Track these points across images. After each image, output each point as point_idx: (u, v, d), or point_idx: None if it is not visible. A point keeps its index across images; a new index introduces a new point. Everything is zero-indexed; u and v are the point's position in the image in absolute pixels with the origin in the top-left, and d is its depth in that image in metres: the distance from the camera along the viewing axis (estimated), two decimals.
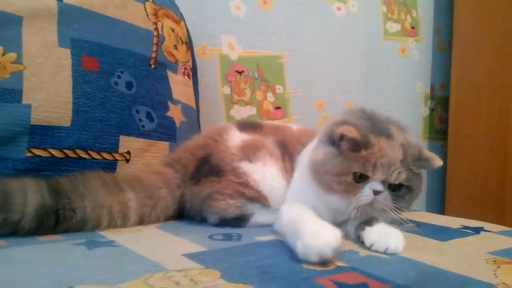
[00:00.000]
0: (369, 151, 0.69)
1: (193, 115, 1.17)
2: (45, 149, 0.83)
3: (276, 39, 1.60)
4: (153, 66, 1.04)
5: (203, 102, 1.38)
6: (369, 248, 0.67)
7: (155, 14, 1.09)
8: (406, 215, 0.96)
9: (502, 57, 1.76)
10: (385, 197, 0.70)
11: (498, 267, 0.61)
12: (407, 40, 1.98)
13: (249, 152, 0.86)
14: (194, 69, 1.24)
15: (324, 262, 0.57)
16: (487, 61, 1.81)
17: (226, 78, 1.49)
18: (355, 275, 0.55)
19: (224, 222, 0.83)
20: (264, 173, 0.84)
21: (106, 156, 0.90)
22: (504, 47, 1.75)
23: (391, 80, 1.94)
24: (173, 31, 1.13)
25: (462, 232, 0.84)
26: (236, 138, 0.89)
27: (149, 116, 0.99)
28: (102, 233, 0.75)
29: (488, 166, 1.80)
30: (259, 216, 0.84)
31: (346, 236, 0.72)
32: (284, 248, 0.67)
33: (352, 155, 0.69)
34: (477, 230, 0.85)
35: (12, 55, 0.82)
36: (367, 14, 1.84)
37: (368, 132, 0.70)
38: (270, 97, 1.60)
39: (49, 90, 0.84)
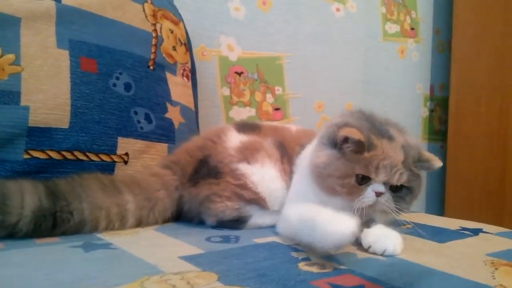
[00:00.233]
0: (372, 153, 0.69)
1: (192, 116, 1.17)
2: (43, 151, 0.83)
3: (276, 40, 1.60)
4: (151, 67, 1.04)
5: (202, 103, 1.38)
6: (367, 250, 0.67)
7: (154, 15, 1.09)
8: (405, 216, 0.97)
9: (501, 57, 1.76)
10: (387, 199, 0.70)
11: (496, 269, 0.61)
12: (406, 41, 1.98)
13: (248, 153, 0.86)
14: (193, 71, 1.23)
15: (342, 247, 0.58)
16: (487, 62, 1.81)
17: (225, 79, 1.49)
18: (352, 278, 0.55)
19: (222, 224, 0.83)
20: (263, 174, 0.84)
21: (104, 158, 0.90)
22: (504, 47, 1.75)
23: (390, 81, 1.94)
24: (172, 32, 1.13)
25: (461, 233, 0.83)
26: (235, 139, 0.89)
27: (148, 118, 0.99)
28: (99, 235, 0.75)
29: (487, 167, 1.80)
30: (257, 218, 0.84)
31: None
32: (282, 250, 0.67)
33: (355, 157, 0.69)
34: (476, 232, 0.85)
35: (10, 57, 0.82)
36: (366, 15, 1.83)
37: (370, 133, 0.70)
38: (270, 98, 1.60)
39: (47, 92, 0.84)
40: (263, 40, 1.57)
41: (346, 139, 0.69)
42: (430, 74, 2.09)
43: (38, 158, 0.83)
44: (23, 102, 0.82)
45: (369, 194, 0.69)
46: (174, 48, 1.13)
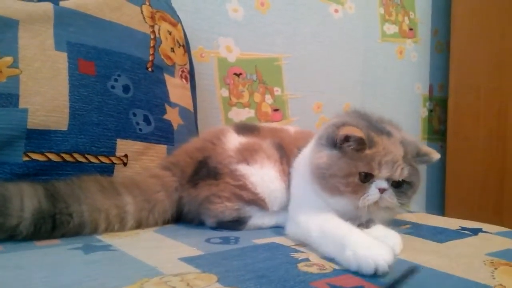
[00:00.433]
0: (373, 150, 0.69)
1: (191, 117, 1.17)
2: (42, 153, 0.83)
3: (274, 41, 1.60)
4: (150, 69, 1.04)
5: (201, 104, 1.38)
6: None
7: (152, 17, 1.09)
8: (405, 216, 0.97)
9: (500, 58, 1.76)
10: (390, 195, 0.70)
11: (496, 268, 0.61)
12: (405, 42, 1.98)
13: (247, 154, 0.86)
14: (191, 72, 1.23)
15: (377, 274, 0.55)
16: (485, 62, 1.81)
17: (224, 80, 1.49)
18: (351, 278, 0.55)
19: (221, 225, 0.83)
20: (262, 175, 0.84)
21: (104, 159, 0.90)
22: (502, 48, 1.76)
23: (389, 81, 1.95)
24: (170, 34, 1.13)
25: (460, 233, 0.83)
26: (234, 140, 0.89)
27: (146, 119, 0.99)
28: (99, 237, 0.75)
29: (487, 167, 1.80)
30: (257, 218, 0.84)
31: None
32: (282, 251, 0.67)
33: (356, 155, 0.69)
34: (475, 232, 0.85)
35: (9, 59, 0.82)
36: (364, 16, 1.84)
37: (369, 131, 0.71)
38: (269, 99, 1.60)
39: (46, 94, 0.84)
40: (262, 41, 1.57)
41: (346, 138, 0.69)
42: (429, 74, 2.09)
43: (37, 161, 0.83)
44: (21, 105, 0.82)
45: (373, 191, 0.69)
46: (172, 50, 1.13)
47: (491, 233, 0.85)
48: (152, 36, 1.07)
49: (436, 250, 0.71)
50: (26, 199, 0.70)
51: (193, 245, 0.69)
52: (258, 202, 0.83)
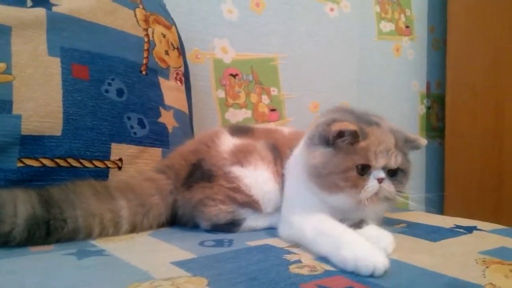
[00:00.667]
0: (367, 141, 0.70)
1: (186, 120, 1.17)
2: (36, 159, 0.84)
3: (269, 41, 1.60)
4: (144, 72, 1.04)
5: (198, 106, 1.38)
6: None
7: (146, 20, 1.09)
8: (400, 215, 0.98)
9: (496, 55, 1.76)
10: (388, 184, 0.71)
11: (487, 267, 0.61)
12: (401, 39, 1.98)
13: (241, 156, 0.86)
14: (186, 74, 1.24)
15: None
16: (482, 60, 1.81)
17: (220, 81, 1.50)
18: (341, 279, 0.55)
19: (216, 228, 0.83)
20: (256, 177, 0.84)
21: (98, 164, 0.91)
22: (499, 45, 1.75)
23: (386, 79, 1.95)
24: (164, 36, 1.13)
25: (455, 231, 0.84)
26: (228, 142, 0.90)
27: (141, 123, 0.99)
28: (94, 242, 0.75)
29: (484, 165, 1.80)
30: (251, 221, 0.85)
31: None
32: (275, 253, 0.67)
33: (351, 149, 0.70)
34: (470, 230, 0.85)
35: (1, 66, 0.82)
36: (360, 14, 1.84)
37: (359, 123, 0.71)
38: (265, 99, 1.60)
39: (39, 100, 0.84)
40: (257, 42, 1.57)
41: (340, 133, 0.69)
42: (426, 71, 2.09)
43: (32, 166, 0.83)
44: (15, 111, 0.82)
45: (372, 182, 0.70)
46: (166, 53, 1.13)
47: (485, 231, 0.85)
48: (146, 39, 1.07)
49: (429, 249, 0.71)
50: (20, 205, 0.71)
51: (187, 248, 0.70)
52: (252, 204, 0.84)
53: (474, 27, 1.84)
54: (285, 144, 0.91)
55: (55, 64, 0.88)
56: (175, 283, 0.52)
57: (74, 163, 0.87)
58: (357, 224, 0.72)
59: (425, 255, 0.66)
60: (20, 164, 0.82)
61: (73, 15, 0.94)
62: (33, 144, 0.83)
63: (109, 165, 0.92)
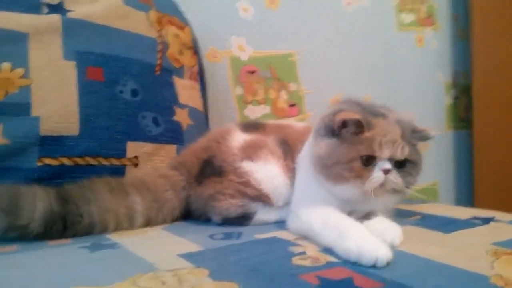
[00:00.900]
0: (372, 132, 0.69)
1: (201, 117, 1.19)
2: (55, 158, 0.87)
3: (286, 37, 1.60)
4: (158, 72, 1.06)
5: (216, 104, 1.40)
6: None
7: (159, 22, 1.12)
8: (416, 207, 0.96)
9: None
10: (395, 175, 0.70)
11: (497, 258, 0.60)
12: (423, 30, 1.93)
13: (251, 151, 0.87)
14: (201, 73, 1.26)
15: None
16: (510, 47, 1.74)
17: (238, 79, 1.51)
18: (342, 270, 0.55)
19: (227, 222, 0.85)
20: (266, 172, 0.85)
21: (115, 162, 0.94)
22: None
23: (409, 71, 1.90)
24: (177, 37, 1.16)
25: (470, 223, 0.81)
26: (238, 138, 0.91)
27: (156, 121, 1.02)
28: (109, 236, 0.78)
29: None
30: (262, 214, 0.85)
31: None
32: (281, 245, 0.68)
33: (356, 139, 0.70)
34: (487, 221, 0.82)
35: (20, 71, 0.87)
36: (378, 7, 1.80)
37: (365, 114, 0.71)
38: (284, 95, 1.60)
39: (56, 102, 0.89)
40: (274, 38, 1.57)
41: (344, 123, 0.70)
42: (451, 61, 2.03)
43: (51, 165, 0.87)
44: (33, 113, 0.86)
45: (377, 173, 0.69)
46: (180, 52, 1.15)
47: (503, 221, 0.82)
48: (159, 41, 1.10)
49: (440, 240, 0.70)
50: (38, 202, 0.74)
51: (195, 241, 0.71)
52: (262, 198, 0.84)
53: (500, 13, 1.77)
54: (297, 139, 0.91)
55: (70, 68, 0.92)
56: (177, 274, 0.53)
57: (92, 162, 0.91)
58: (366, 216, 0.72)
59: (435, 247, 0.65)
60: (40, 163, 0.86)
61: (87, 19, 0.98)
62: (52, 144, 0.87)
63: (125, 163, 0.95)
